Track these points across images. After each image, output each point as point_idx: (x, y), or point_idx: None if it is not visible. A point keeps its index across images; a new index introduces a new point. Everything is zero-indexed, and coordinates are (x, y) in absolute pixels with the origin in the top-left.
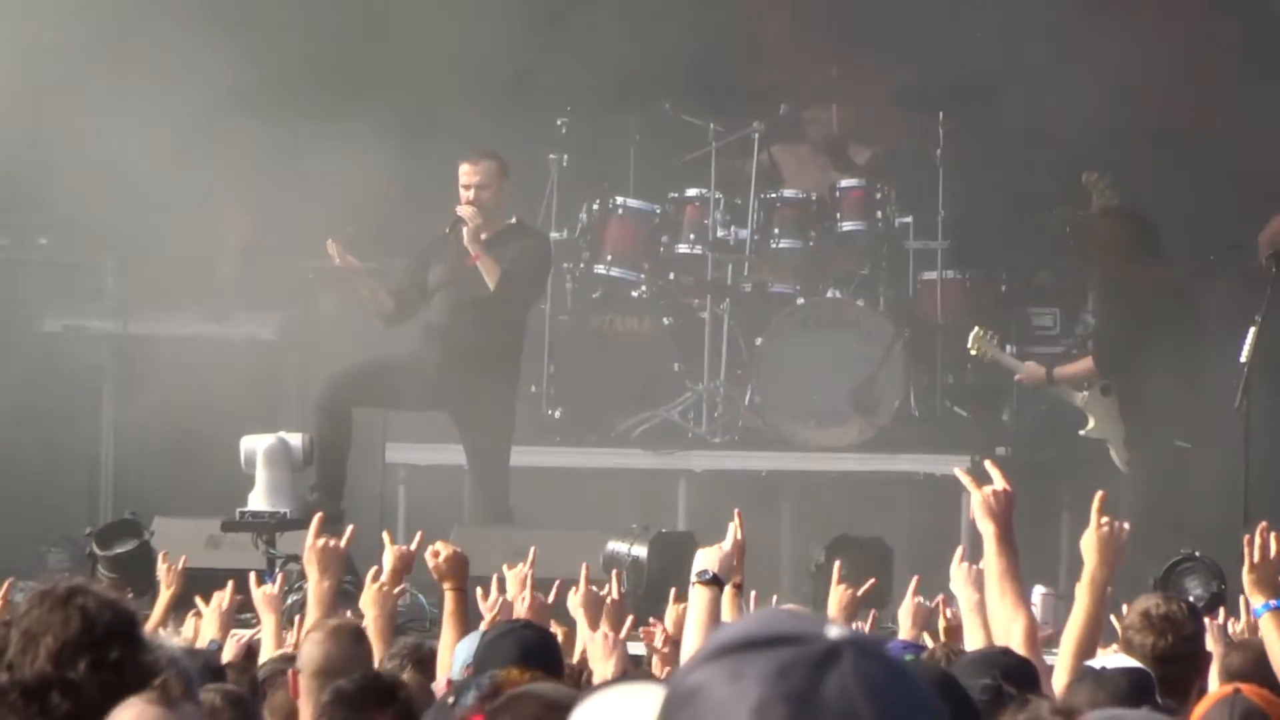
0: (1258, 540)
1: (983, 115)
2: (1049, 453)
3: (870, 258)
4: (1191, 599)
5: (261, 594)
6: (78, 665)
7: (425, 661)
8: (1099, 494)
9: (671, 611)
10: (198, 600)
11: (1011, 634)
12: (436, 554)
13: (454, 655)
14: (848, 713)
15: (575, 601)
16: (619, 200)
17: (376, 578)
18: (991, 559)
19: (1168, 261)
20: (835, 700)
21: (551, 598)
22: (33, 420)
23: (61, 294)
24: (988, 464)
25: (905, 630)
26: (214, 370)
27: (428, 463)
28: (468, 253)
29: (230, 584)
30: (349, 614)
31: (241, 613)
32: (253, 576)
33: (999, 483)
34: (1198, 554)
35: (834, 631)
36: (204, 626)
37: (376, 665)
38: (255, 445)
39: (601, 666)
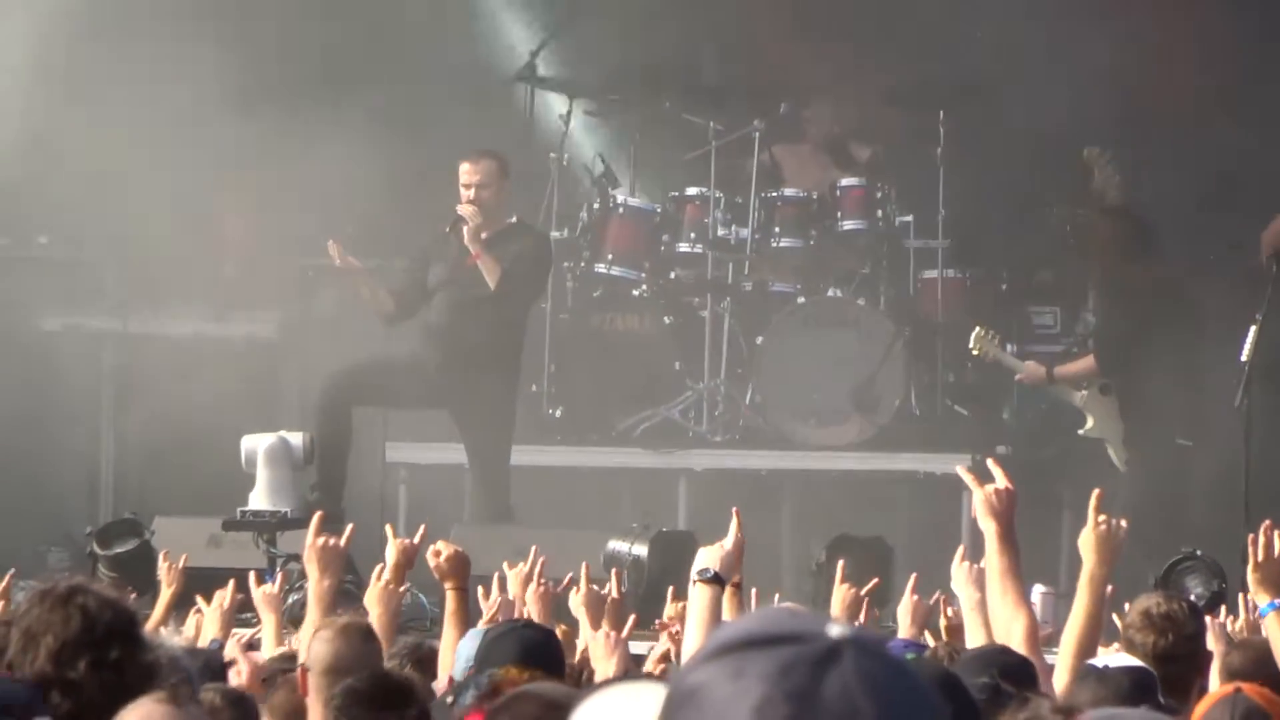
0: (1262, 539)
1: (983, 115)
2: (1049, 451)
3: (871, 256)
4: (1192, 598)
5: (262, 593)
6: (78, 665)
7: (425, 661)
8: (1095, 492)
9: (670, 610)
10: (199, 599)
11: (1012, 633)
12: (438, 553)
13: (456, 653)
14: (849, 711)
15: (577, 601)
16: (619, 199)
17: (381, 575)
18: (993, 558)
19: (1168, 261)
20: (837, 699)
21: (561, 588)
22: (33, 420)
23: (61, 294)
24: (990, 462)
25: (905, 628)
26: (214, 370)
27: (428, 462)
28: (468, 252)
29: (231, 583)
30: (346, 613)
31: (242, 612)
32: (253, 576)
33: (1001, 481)
34: (1198, 553)
35: (835, 630)
36: (205, 626)
37: None
38: (256, 444)
39: (603, 666)
